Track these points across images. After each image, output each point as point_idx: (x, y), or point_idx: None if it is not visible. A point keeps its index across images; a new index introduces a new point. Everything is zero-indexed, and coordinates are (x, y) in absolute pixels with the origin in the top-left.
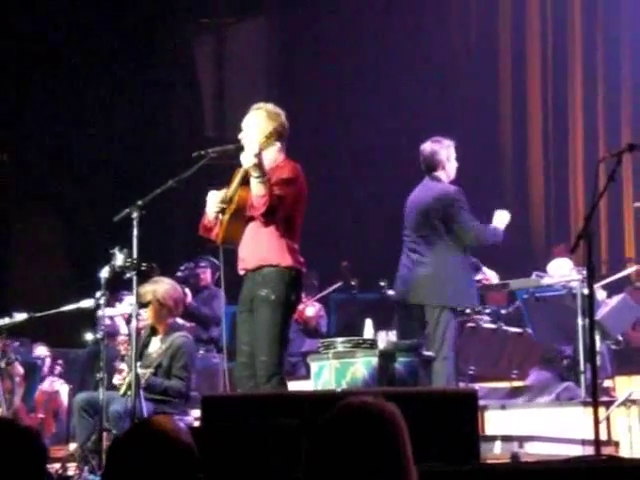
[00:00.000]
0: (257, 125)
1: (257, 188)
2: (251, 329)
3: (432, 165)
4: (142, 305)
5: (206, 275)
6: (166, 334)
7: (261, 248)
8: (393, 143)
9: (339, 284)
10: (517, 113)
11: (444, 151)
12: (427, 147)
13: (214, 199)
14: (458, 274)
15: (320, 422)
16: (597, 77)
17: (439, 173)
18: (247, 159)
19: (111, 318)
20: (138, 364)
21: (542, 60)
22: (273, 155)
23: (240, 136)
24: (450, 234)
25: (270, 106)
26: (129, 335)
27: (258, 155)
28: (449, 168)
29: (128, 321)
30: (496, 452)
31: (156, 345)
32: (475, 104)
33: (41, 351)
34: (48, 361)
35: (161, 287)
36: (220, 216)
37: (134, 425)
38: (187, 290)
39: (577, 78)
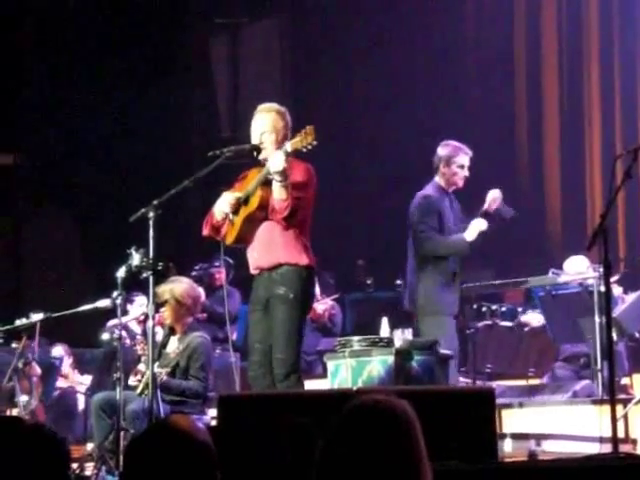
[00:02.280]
0: (274, 127)
1: (280, 192)
2: (266, 327)
3: (434, 167)
4: (159, 305)
5: (221, 275)
6: (184, 334)
7: (278, 247)
8: (408, 141)
9: (337, 295)
10: (533, 111)
11: (444, 153)
12: (438, 148)
13: (228, 200)
14: (429, 282)
15: (332, 421)
16: (614, 73)
17: (437, 177)
18: (277, 164)
19: (125, 327)
20: (156, 364)
21: (558, 56)
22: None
23: (258, 141)
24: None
25: (277, 106)
26: (145, 335)
27: (287, 160)
28: (448, 172)
29: (141, 322)
30: (512, 450)
31: (174, 345)
32: (490, 101)
33: (58, 351)
34: (66, 360)
35: (179, 286)
36: (231, 216)
37: (152, 424)
38: (201, 289)
39: (594, 74)
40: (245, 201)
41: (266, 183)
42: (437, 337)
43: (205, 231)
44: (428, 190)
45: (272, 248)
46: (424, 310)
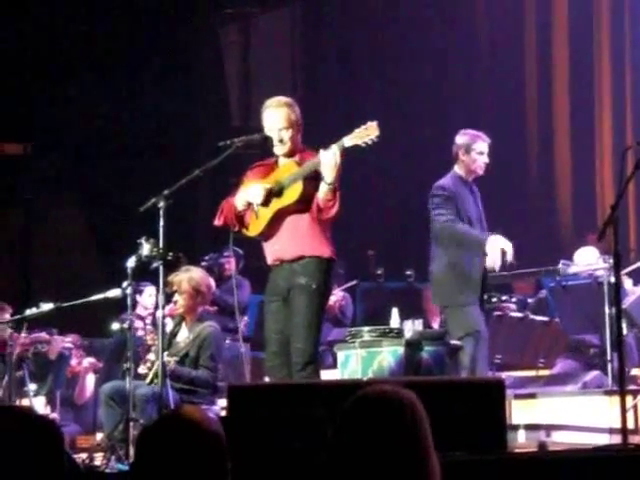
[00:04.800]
0: (289, 121)
1: (327, 192)
2: (285, 318)
3: (453, 157)
4: (169, 295)
5: (230, 265)
6: (194, 323)
7: (302, 239)
8: (419, 131)
9: (354, 282)
10: (543, 101)
11: (462, 141)
12: (456, 137)
13: (258, 191)
14: (445, 272)
15: (340, 411)
16: (625, 64)
17: (457, 167)
18: (330, 159)
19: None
20: (165, 353)
21: (569, 47)
22: (296, 146)
23: (277, 137)
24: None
25: (284, 99)
26: (155, 324)
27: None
28: (467, 160)
29: (153, 312)
30: (521, 441)
31: (184, 334)
32: (501, 92)
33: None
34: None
35: (195, 274)
36: (255, 207)
37: (164, 414)
38: (211, 280)
39: (605, 65)
40: (278, 193)
41: (310, 178)
42: (462, 326)
43: (218, 221)
44: (444, 180)
45: (296, 240)
46: (445, 301)
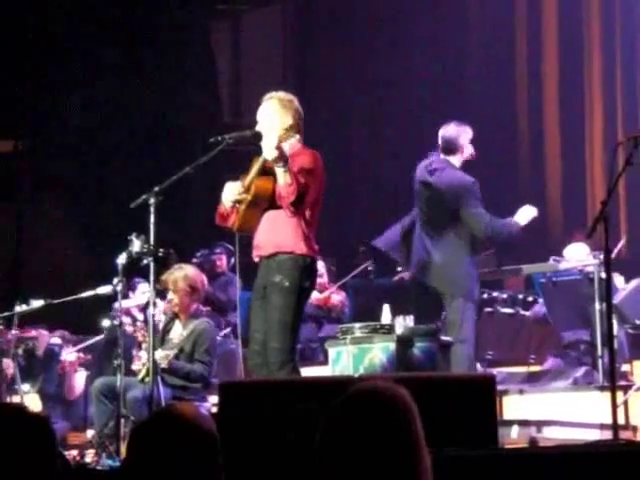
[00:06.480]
0: (272, 115)
1: (283, 177)
2: (264, 316)
3: (452, 148)
4: (160, 292)
5: (222, 261)
6: (189, 320)
7: (277, 235)
8: (411, 127)
9: (365, 265)
10: (534, 95)
11: (465, 136)
12: (451, 129)
13: (231, 190)
14: (462, 263)
15: (331, 407)
16: (615, 59)
17: (455, 158)
18: (268, 152)
19: (127, 311)
20: (158, 350)
21: (559, 42)
22: (291, 143)
23: (257, 128)
24: (460, 225)
25: (282, 94)
26: (146, 322)
27: (278, 146)
28: (466, 151)
29: (143, 309)
30: (514, 437)
31: (177, 331)
32: (490, 86)
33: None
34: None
35: (189, 272)
36: (237, 205)
37: (156, 411)
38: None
39: (595, 60)
40: (247, 189)
41: (263, 172)
42: (461, 321)
43: (216, 220)
44: (463, 174)
45: (272, 236)
46: (454, 292)
